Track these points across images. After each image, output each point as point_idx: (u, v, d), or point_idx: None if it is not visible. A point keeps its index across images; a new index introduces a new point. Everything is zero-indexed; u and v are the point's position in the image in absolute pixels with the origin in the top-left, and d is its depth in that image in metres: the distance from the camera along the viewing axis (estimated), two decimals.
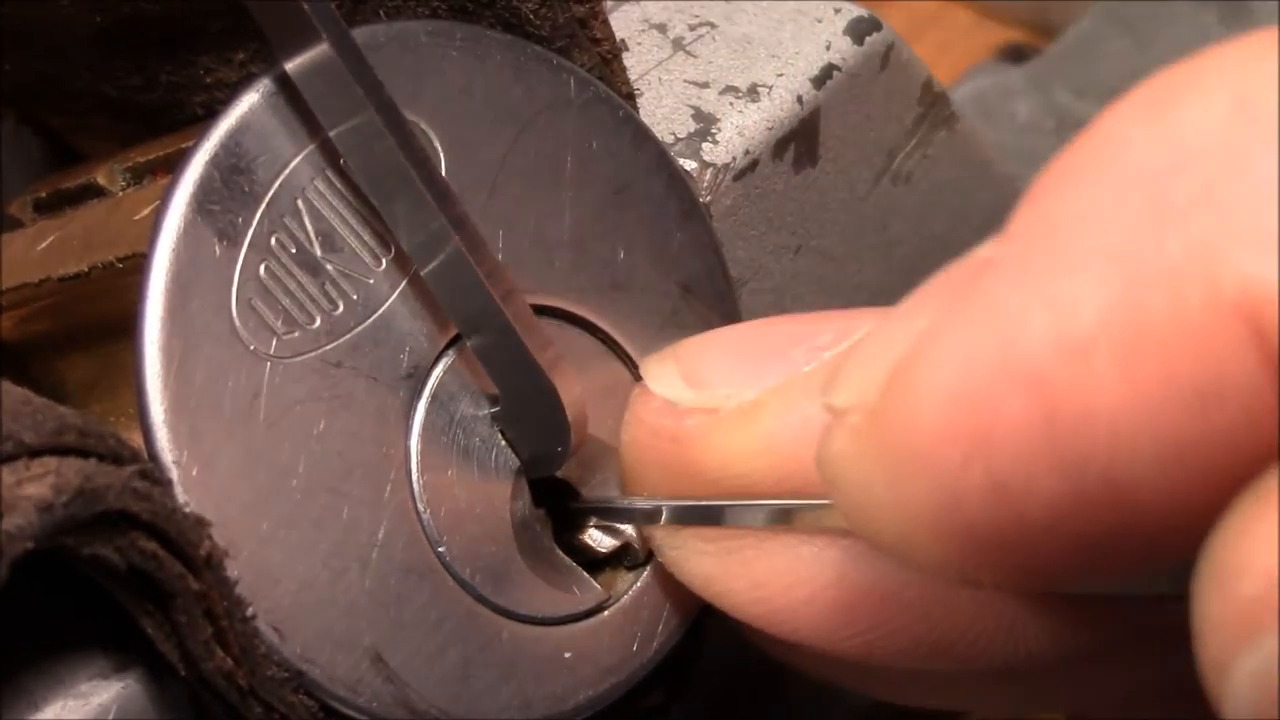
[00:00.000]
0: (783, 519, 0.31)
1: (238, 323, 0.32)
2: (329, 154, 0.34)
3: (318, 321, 0.33)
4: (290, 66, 0.33)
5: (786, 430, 0.32)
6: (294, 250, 0.33)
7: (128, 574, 0.29)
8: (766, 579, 0.32)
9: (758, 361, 0.33)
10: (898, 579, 0.30)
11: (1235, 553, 0.21)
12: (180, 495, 0.31)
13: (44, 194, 0.41)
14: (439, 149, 0.35)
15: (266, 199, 0.33)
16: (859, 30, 0.46)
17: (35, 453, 0.28)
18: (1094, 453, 0.22)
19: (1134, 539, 0.23)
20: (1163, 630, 0.30)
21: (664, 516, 0.33)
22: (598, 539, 0.36)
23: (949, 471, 0.23)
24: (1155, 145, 0.22)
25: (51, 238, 0.39)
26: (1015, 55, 0.79)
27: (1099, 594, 0.30)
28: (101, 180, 0.39)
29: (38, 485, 0.27)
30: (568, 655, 0.35)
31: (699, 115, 0.43)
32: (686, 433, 0.33)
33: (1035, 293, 0.22)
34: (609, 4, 0.46)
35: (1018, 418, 0.22)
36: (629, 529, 0.36)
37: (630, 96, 0.40)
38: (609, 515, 0.36)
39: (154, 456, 0.31)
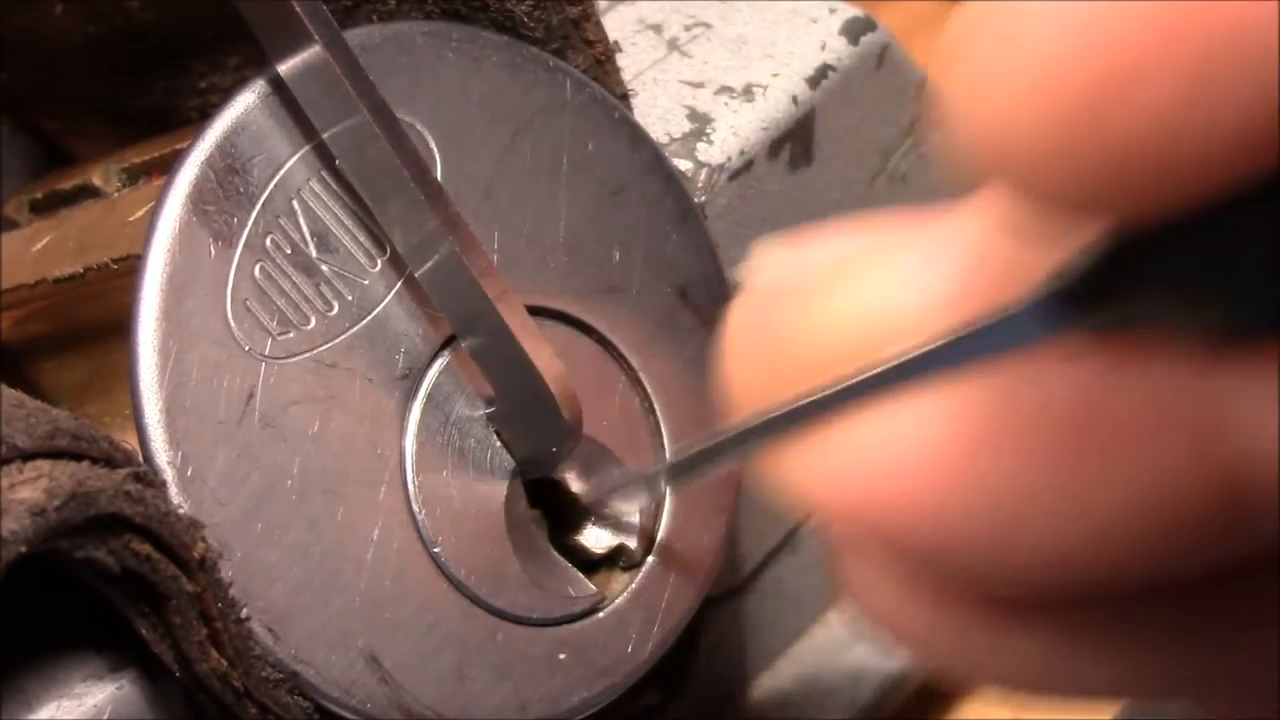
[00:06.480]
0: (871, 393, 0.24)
1: (232, 323, 0.32)
2: (324, 155, 0.34)
3: (312, 322, 0.33)
4: (283, 68, 0.33)
5: (876, 292, 0.24)
6: (289, 251, 0.33)
7: (122, 576, 0.29)
8: (874, 457, 0.22)
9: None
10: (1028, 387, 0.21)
11: None
12: (174, 496, 0.31)
13: (39, 195, 0.41)
14: (435, 150, 0.35)
15: (261, 200, 0.33)
16: (854, 30, 0.46)
17: (28, 456, 0.28)
18: None
19: None
20: None
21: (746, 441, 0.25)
22: (593, 539, 0.36)
23: None
24: None
25: (47, 239, 0.39)
26: None
27: None
28: (97, 181, 0.39)
29: (30, 489, 0.27)
30: (563, 656, 0.35)
31: (694, 115, 0.43)
32: (781, 312, 0.28)
33: None
34: (603, 4, 0.46)
35: None
36: (627, 535, 0.36)
37: (625, 97, 0.40)
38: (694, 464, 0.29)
39: (148, 458, 0.31)
